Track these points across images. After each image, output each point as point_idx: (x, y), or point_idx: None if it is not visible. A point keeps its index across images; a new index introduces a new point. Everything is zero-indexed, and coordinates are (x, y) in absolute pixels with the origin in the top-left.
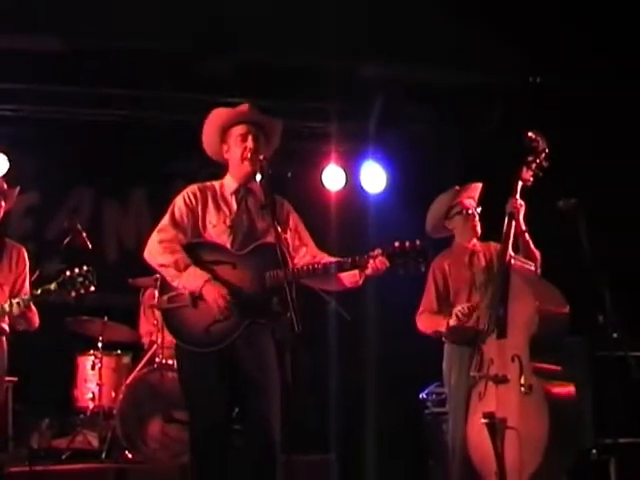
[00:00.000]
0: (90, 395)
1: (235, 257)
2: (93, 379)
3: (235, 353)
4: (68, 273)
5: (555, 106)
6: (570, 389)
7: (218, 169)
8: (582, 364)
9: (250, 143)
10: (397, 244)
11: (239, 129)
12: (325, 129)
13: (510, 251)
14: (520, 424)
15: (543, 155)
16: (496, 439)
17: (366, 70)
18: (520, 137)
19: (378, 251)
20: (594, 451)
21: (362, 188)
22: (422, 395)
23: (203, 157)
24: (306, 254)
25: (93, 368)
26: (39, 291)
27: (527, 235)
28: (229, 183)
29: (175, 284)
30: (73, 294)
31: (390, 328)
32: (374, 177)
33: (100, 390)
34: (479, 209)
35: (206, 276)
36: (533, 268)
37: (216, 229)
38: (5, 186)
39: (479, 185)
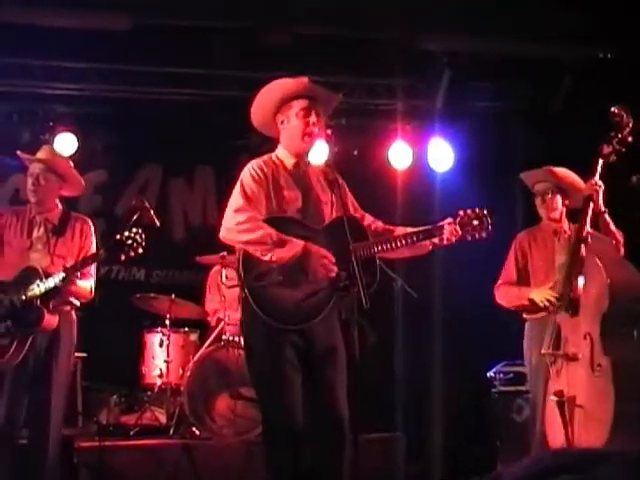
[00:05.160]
0: (158, 372)
1: (314, 231)
2: (161, 356)
3: (312, 331)
4: (118, 237)
5: (625, 81)
6: None
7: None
8: None
9: (314, 118)
10: (462, 213)
11: (301, 103)
12: (392, 106)
13: (588, 228)
14: (588, 403)
15: (627, 130)
16: (565, 417)
17: (433, 45)
18: (590, 113)
19: (449, 220)
20: None
21: (429, 166)
22: (490, 374)
23: None
24: (366, 220)
25: (161, 345)
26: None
27: (607, 216)
28: (286, 157)
29: (267, 258)
30: (123, 257)
31: (457, 306)
32: (441, 155)
33: (168, 367)
34: (557, 195)
35: (302, 242)
36: (611, 244)
37: (286, 204)
38: (72, 170)
39: (557, 170)
